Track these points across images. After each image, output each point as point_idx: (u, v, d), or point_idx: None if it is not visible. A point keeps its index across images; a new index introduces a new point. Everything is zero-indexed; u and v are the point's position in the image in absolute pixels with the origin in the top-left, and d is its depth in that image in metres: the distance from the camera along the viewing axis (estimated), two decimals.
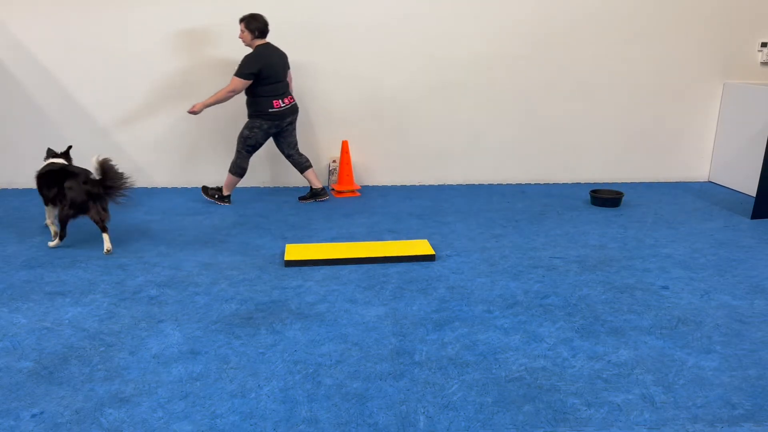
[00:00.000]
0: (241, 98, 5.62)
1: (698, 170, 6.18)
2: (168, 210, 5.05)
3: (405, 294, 3.48)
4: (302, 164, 5.29)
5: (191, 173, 5.74)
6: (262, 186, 5.82)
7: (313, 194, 5.34)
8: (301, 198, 5.38)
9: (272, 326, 3.09)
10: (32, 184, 5.62)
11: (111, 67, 5.43)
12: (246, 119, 5.14)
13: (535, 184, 6.03)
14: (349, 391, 2.56)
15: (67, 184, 4.00)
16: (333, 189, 5.65)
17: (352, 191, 5.56)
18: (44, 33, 5.31)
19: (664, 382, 2.64)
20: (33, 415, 2.39)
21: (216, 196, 5.25)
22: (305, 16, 5.42)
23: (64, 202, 4.01)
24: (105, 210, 4.11)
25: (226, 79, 5.50)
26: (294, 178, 5.81)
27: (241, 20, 4.87)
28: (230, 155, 5.70)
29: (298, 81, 5.55)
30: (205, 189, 5.30)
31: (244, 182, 5.79)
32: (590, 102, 5.88)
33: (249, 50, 4.99)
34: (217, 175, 5.75)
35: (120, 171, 4.11)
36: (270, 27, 4.99)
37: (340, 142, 5.73)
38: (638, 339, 3.00)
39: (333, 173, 5.76)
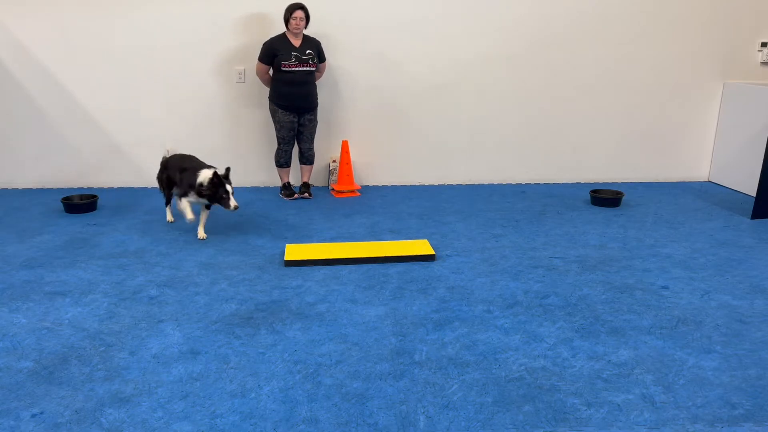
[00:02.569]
0: (236, 101, 5.63)
1: (698, 170, 6.18)
2: None
3: (405, 294, 3.48)
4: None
5: None
6: (262, 186, 5.82)
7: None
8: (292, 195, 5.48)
9: (272, 326, 3.09)
10: (32, 183, 5.65)
11: (111, 67, 5.43)
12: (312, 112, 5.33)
13: (535, 184, 6.03)
14: (349, 391, 2.56)
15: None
16: (333, 189, 5.65)
17: (352, 191, 5.56)
18: (44, 33, 5.32)
19: (664, 382, 2.63)
20: (33, 415, 2.39)
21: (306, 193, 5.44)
22: None
23: None
24: None
25: (228, 77, 5.51)
26: (293, 179, 5.80)
27: (303, 7, 4.98)
28: (229, 155, 5.70)
29: None
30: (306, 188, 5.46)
31: (243, 182, 5.80)
32: (590, 102, 5.88)
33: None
34: None
35: None
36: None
37: (340, 142, 5.73)
38: (638, 339, 3.00)
39: (333, 173, 5.76)
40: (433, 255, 4.00)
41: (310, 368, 2.72)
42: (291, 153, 5.37)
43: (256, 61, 5.24)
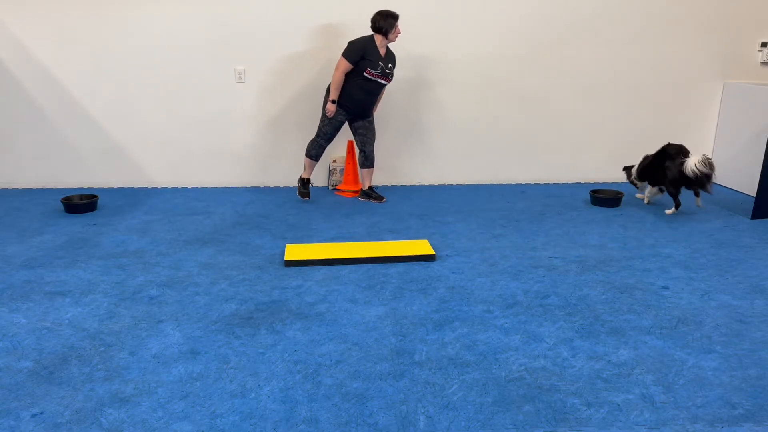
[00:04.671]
0: (236, 101, 5.64)
1: None
2: (168, 210, 5.05)
3: (405, 294, 3.48)
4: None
5: (191, 173, 5.74)
6: (261, 186, 5.83)
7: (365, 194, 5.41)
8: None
9: (272, 326, 3.09)
10: (32, 183, 5.66)
11: (111, 67, 5.43)
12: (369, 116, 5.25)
13: (535, 184, 6.03)
14: (349, 391, 2.56)
15: (666, 164, 4.98)
16: (339, 189, 5.66)
17: (356, 192, 5.56)
18: (44, 33, 5.32)
19: (664, 382, 2.64)
20: (33, 415, 2.39)
21: (372, 196, 5.34)
22: (306, 17, 5.42)
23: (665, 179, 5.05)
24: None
25: (228, 78, 5.51)
26: (292, 178, 5.80)
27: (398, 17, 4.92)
28: (227, 155, 5.70)
29: (301, 81, 5.55)
30: (366, 194, 5.36)
31: (242, 182, 5.80)
32: (590, 102, 5.88)
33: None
34: (218, 175, 5.75)
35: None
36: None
37: (341, 143, 5.73)
38: (638, 339, 3.00)
39: (333, 174, 5.76)
40: (433, 255, 4.00)
41: (310, 368, 2.72)
42: (324, 150, 5.26)
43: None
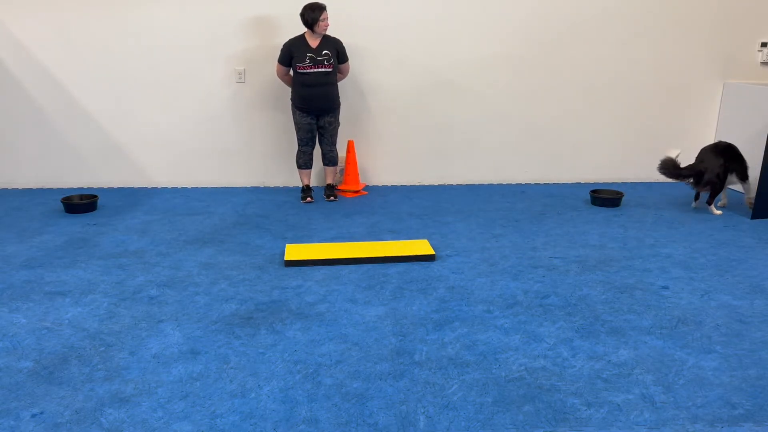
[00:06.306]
0: (236, 102, 5.63)
1: None
2: (168, 210, 5.05)
3: (405, 294, 3.48)
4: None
5: (191, 173, 5.74)
6: (261, 186, 5.83)
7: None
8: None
9: (272, 326, 3.09)
10: (32, 183, 5.65)
11: (111, 67, 5.43)
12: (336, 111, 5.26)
13: (535, 184, 6.03)
14: (349, 391, 2.56)
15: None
16: (339, 189, 5.66)
17: (357, 192, 5.55)
18: (44, 33, 5.32)
19: (664, 382, 2.64)
20: (33, 415, 2.39)
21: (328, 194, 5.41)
22: None
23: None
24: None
25: (228, 78, 5.51)
26: (292, 178, 5.80)
27: (325, 8, 4.94)
28: (227, 155, 5.70)
29: None
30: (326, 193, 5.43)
31: (242, 182, 5.80)
32: (590, 102, 5.88)
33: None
34: (218, 175, 5.75)
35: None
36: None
37: (343, 142, 5.73)
38: (638, 339, 3.00)
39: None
40: (433, 255, 4.00)
41: (310, 368, 2.72)
42: (311, 155, 5.30)
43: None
